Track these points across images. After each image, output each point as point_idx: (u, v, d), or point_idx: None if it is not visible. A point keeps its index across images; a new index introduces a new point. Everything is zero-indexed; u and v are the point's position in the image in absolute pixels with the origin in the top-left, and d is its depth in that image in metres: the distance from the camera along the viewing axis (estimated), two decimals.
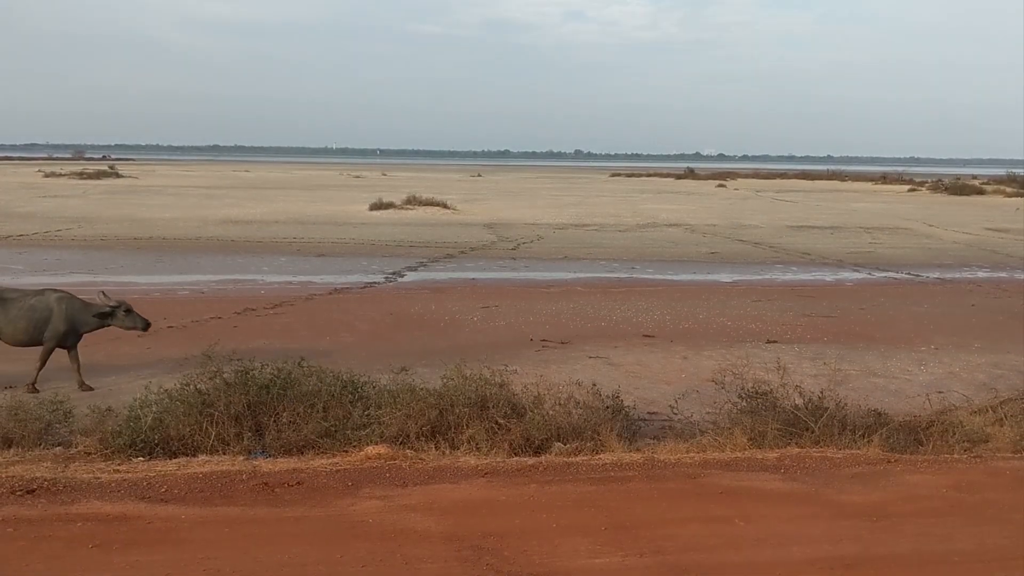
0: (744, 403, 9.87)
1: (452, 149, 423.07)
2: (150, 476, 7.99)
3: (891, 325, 17.97)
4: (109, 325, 12.43)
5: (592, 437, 9.22)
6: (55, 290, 12.60)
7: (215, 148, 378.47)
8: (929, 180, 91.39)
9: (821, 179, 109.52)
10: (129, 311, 12.39)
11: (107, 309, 12.26)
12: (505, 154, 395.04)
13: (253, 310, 18.07)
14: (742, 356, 13.85)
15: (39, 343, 12.10)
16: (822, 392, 10.03)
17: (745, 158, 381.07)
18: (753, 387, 10.02)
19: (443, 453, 8.88)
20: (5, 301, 12.03)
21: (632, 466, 8.49)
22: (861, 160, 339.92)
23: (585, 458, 8.75)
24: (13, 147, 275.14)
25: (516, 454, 8.90)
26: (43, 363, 12.00)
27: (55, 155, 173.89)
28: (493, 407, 9.39)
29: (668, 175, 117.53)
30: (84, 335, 12.38)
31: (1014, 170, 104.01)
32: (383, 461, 8.43)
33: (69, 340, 12.15)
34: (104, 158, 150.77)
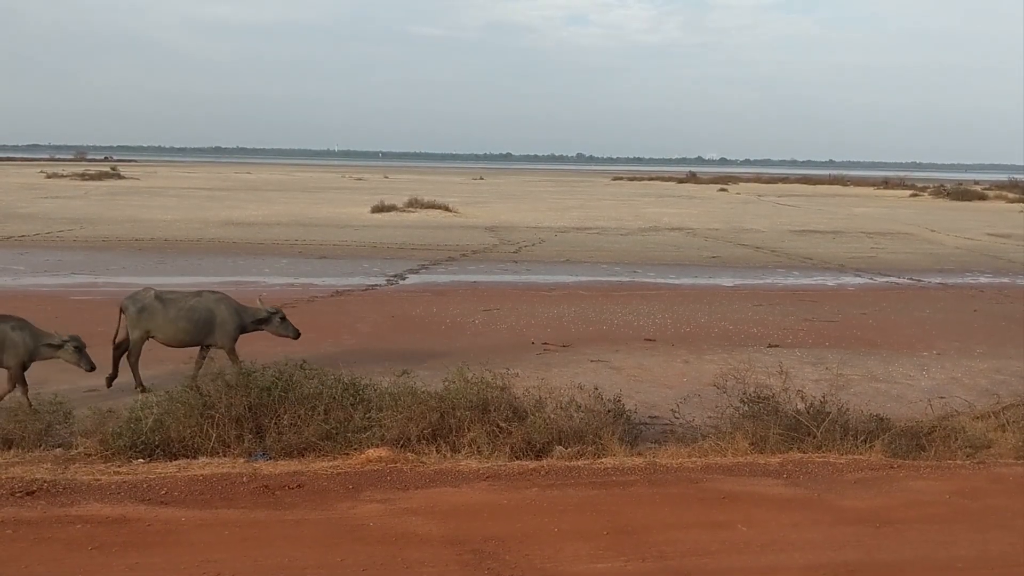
0: (746, 407, 9.84)
1: (454, 152, 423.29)
2: (150, 478, 7.98)
3: (893, 330, 17.95)
4: (262, 329, 12.67)
5: (594, 441, 9.20)
6: (212, 291, 12.88)
7: (217, 150, 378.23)
8: (931, 185, 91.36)
9: (823, 184, 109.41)
10: (284, 319, 12.71)
11: (265, 314, 12.57)
12: (507, 157, 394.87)
13: None
14: (744, 360, 13.82)
15: (197, 343, 12.29)
16: (824, 397, 10.00)
17: (747, 162, 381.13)
18: (755, 391, 9.99)
19: (444, 456, 8.86)
20: (165, 303, 12.19)
21: (634, 470, 8.47)
22: (863, 165, 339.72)
23: (587, 462, 8.74)
24: (15, 148, 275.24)
25: (517, 458, 8.88)
26: (237, 359, 12.05)
27: (57, 156, 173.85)
28: (494, 410, 9.37)
29: (670, 179, 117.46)
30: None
31: (1016, 176, 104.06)
32: (384, 464, 8.41)
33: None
34: (106, 159, 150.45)
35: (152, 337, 12.21)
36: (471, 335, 16.43)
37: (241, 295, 20.39)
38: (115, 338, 12.16)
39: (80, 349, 11.13)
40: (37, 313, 17.34)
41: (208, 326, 12.18)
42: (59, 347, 10.96)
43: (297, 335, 12.83)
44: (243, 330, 12.49)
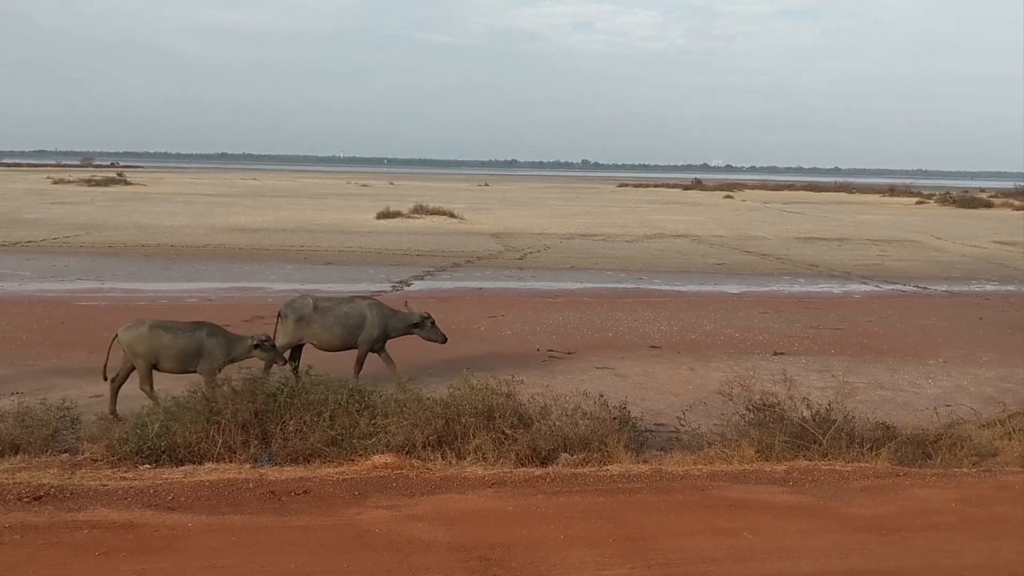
0: (751, 415, 9.83)
1: (459, 159, 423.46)
2: (157, 484, 8.00)
3: (899, 338, 17.92)
4: (413, 333, 13.09)
5: (599, 448, 9.21)
6: (364, 297, 13.45)
7: (223, 156, 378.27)
8: (937, 193, 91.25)
9: (829, 191, 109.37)
10: (434, 324, 13.12)
11: (417, 319, 12.99)
12: (512, 164, 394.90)
13: (261, 318, 18.05)
14: (749, 368, 13.84)
15: (351, 347, 12.70)
16: (830, 404, 9.99)
17: (752, 169, 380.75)
18: (760, 399, 9.99)
19: (450, 463, 8.88)
20: (321, 310, 12.59)
21: (640, 478, 8.48)
22: (869, 172, 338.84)
23: (592, 469, 8.75)
24: (22, 153, 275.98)
25: (523, 464, 8.89)
26: (360, 366, 12.57)
27: (64, 162, 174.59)
28: (500, 417, 9.38)
29: (675, 186, 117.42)
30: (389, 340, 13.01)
31: (1022, 183, 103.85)
32: (390, 470, 8.43)
33: (377, 344, 12.81)
34: (112, 165, 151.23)
35: (308, 343, 12.64)
36: (476, 341, 16.42)
37: (247, 301, 20.53)
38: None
39: (274, 347, 11.64)
40: (43, 319, 17.46)
41: (360, 331, 12.62)
42: (255, 347, 11.39)
43: (444, 340, 13.24)
44: (393, 334, 12.93)
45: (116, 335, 11.23)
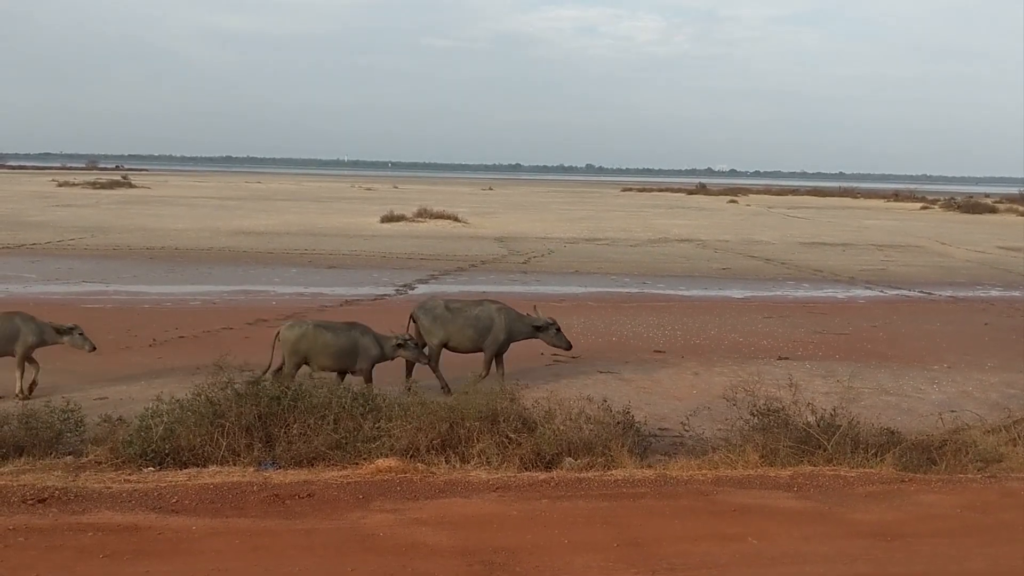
0: (756, 420, 9.83)
1: (463, 163, 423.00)
2: (161, 486, 8.00)
3: (903, 343, 17.89)
4: (537, 338, 13.34)
5: (603, 453, 9.20)
6: (492, 301, 13.57)
7: (228, 159, 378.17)
8: (942, 198, 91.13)
9: (833, 196, 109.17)
10: (559, 330, 13.29)
11: (541, 323, 13.20)
12: (516, 168, 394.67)
13: (265, 321, 18.09)
14: (754, 372, 13.82)
15: (480, 350, 12.98)
16: (834, 410, 9.98)
17: (757, 174, 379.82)
18: (765, 404, 9.98)
19: (454, 467, 8.88)
20: (453, 312, 12.91)
21: (644, 482, 8.47)
22: (873, 177, 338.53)
23: (597, 474, 8.74)
24: (27, 156, 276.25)
25: (527, 469, 8.89)
26: (489, 367, 12.89)
27: (69, 164, 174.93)
28: (504, 421, 9.39)
29: (680, 190, 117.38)
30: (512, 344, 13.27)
31: None
32: (394, 474, 8.42)
33: (503, 348, 13.06)
34: (117, 168, 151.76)
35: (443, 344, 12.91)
36: None
37: (251, 304, 20.55)
38: None
39: (417, 346, 12.15)
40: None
41: (488, 333, 12.87)
42: (398, 347, 11.87)
43: (569, 347, 13.49)
44: (518, 337, 13.16)
45: (277, 333, 11.84)
